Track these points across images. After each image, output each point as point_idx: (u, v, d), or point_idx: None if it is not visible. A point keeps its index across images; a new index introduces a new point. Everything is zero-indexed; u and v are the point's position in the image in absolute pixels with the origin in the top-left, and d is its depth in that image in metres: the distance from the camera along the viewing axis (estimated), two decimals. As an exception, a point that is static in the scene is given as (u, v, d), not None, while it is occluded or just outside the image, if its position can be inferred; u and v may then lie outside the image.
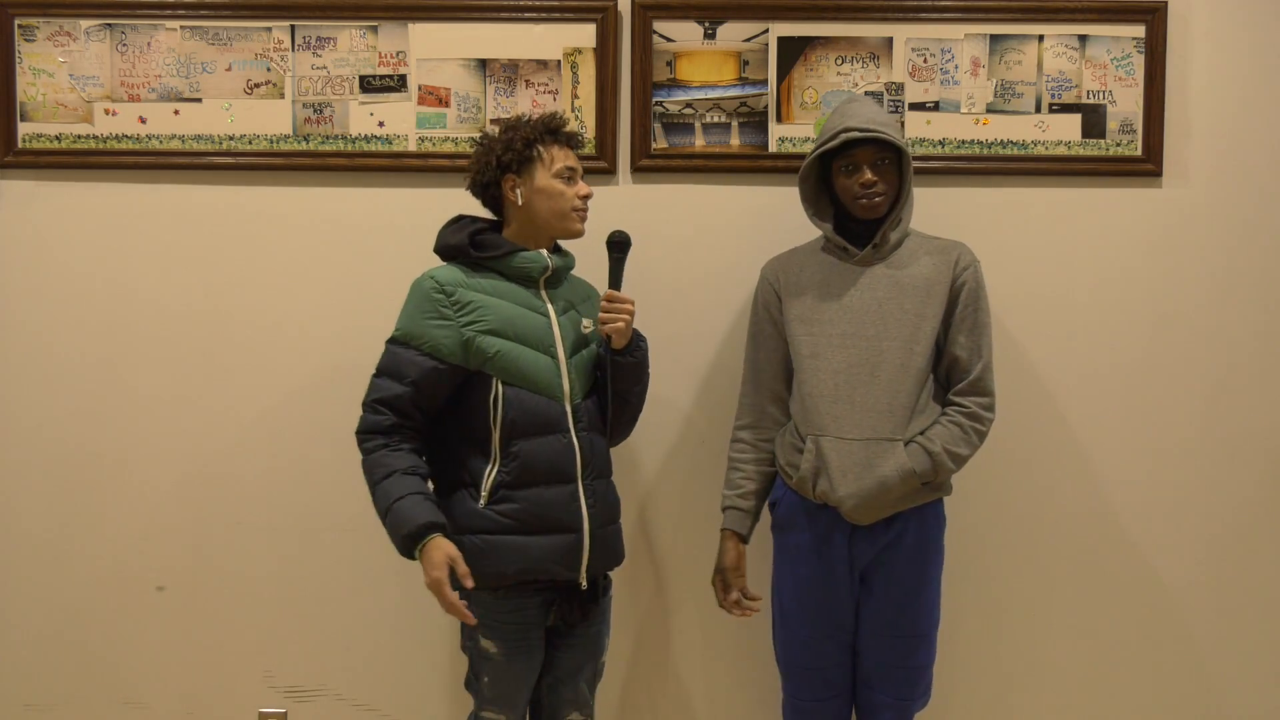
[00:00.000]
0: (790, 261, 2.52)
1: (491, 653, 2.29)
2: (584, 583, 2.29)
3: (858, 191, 2.38)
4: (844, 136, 2.34)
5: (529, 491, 2.25)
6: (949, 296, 2.40)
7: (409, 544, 2.17)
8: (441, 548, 2.15)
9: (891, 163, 2.38)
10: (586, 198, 2.35)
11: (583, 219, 2.36)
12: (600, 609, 2.39)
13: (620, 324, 2.31)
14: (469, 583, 2.16)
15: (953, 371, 2.42)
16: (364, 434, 2.27)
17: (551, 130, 2.35)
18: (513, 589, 2.26)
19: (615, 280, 2.35)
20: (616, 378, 2.36)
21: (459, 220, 2.39)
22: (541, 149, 2.33)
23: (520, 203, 2.33)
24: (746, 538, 2.52)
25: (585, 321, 2.38)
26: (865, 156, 2.37)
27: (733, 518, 2.51)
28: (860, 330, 2.39)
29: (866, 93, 2.74)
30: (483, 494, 2.26)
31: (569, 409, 2.29)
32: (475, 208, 2.42)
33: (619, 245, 2.37)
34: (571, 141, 2.38)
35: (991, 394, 2.41)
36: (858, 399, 2.36)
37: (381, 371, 2.28)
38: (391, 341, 2.28)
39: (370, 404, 2.27)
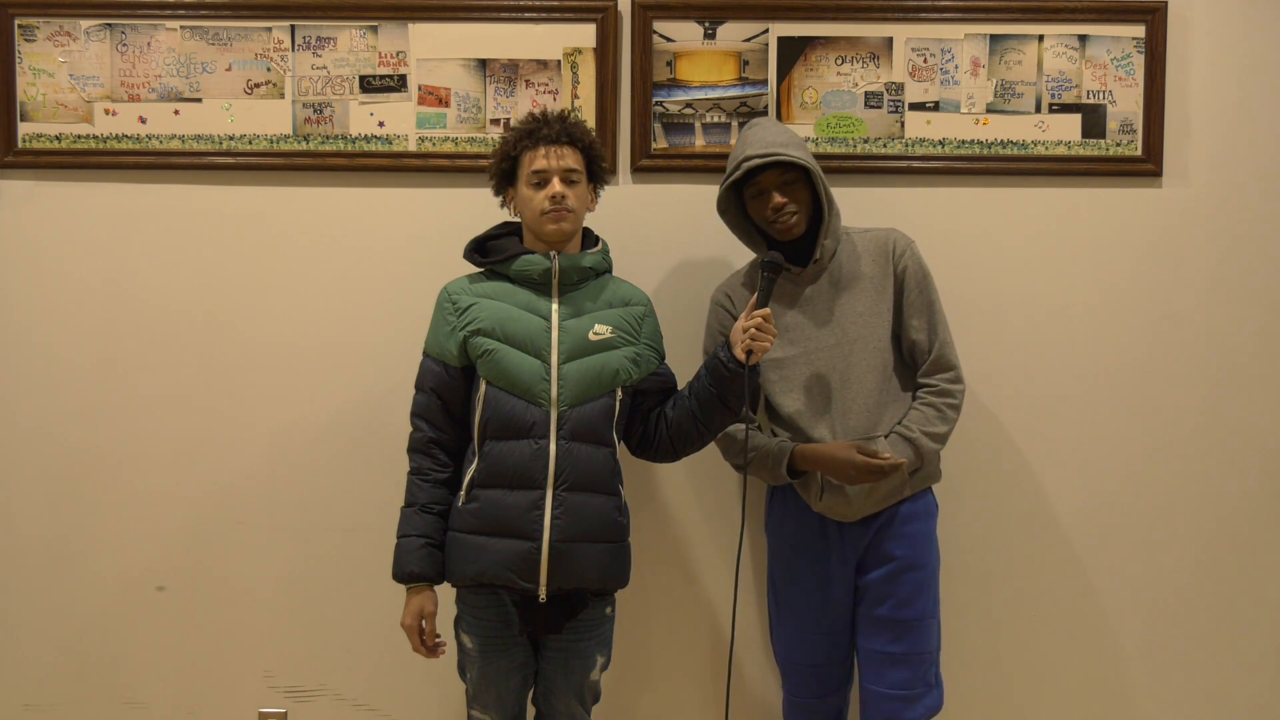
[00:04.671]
0: (738, 286, 2.51)
1: (469, 647, 2.33)
2: (543, 595, 2.21)
3: (770, 216, 2.38)
4: (745, 166, 2.34)
5: (491, 493, 2.25)
6: (895, 286, 2.42)
7: (399, 580, 2.31)
8: (418, 601, 2.29)
9: (800, 180, 2.37)
10: (554, 198, 2.28)
11: (555, 219, 2.30)
12: (580, 625, 2.30)
13: (767, 344, 2.26)
14: (436, 649, 2.32)
15: (915, 355, 2.45)
16: (408, 450, 2.35)
17: (526, 134, 2.33)
18: (484, 585, 2.27)
19: (764, 299, 2.29)
20: (733, 392, 2.28)
21: (499, 226, 2.44)
22: (521, 157, 2.33)
23: (514, 214, 2.40)
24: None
25: (597, 327, 2.32)
26: (770, 181, 2.36)
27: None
28: (821, 344, 2.41)
29: (866, 92, 2.74)
30: (462, 491, 2.29)
31: (553, 415, 2.25)
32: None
33: (772, 266, 2.29)
34: (553, 138, 2.31)
35: (954, 366, 2.43)
36: (834, 408, 2.39)
37: (415, 384, 2.36)
38: (422, 355, 2.36)
39: (410, 417, 2.35)
